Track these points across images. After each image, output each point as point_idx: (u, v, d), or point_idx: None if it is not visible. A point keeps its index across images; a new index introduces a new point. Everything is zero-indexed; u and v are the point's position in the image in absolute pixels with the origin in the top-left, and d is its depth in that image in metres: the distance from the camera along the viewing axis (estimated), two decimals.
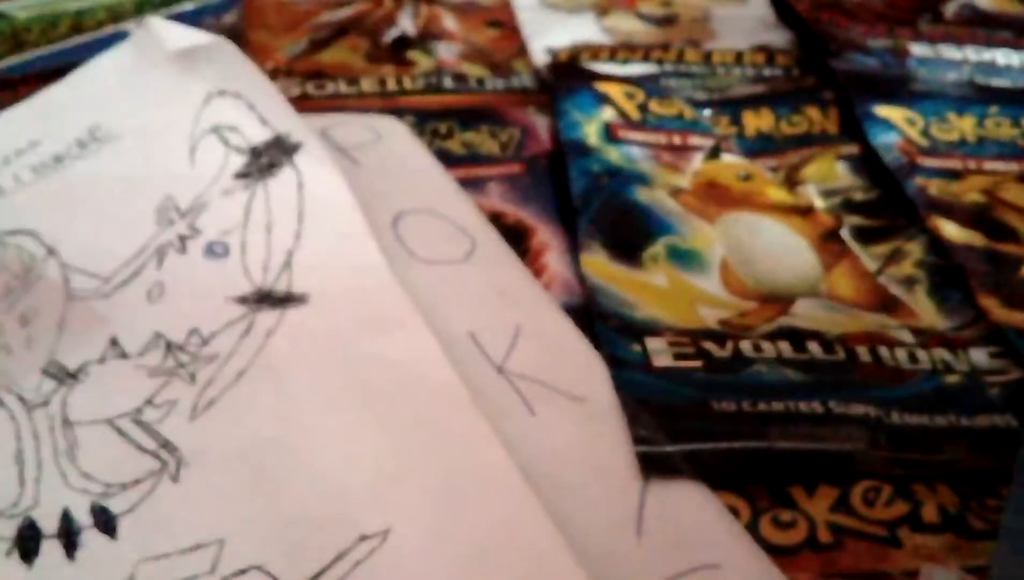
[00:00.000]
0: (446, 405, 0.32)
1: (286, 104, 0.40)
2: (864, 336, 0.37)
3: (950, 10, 0.56)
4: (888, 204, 0.43)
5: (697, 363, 0.35)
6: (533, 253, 0.41)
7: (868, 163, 0.45)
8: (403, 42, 0.54)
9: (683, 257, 0.40)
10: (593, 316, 0.37)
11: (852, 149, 0.46)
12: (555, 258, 0.40)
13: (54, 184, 0.39)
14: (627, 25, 0.56)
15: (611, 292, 0.38)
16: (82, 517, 0.31)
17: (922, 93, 0.48)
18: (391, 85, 0.50)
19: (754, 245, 0.41)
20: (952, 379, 0.35)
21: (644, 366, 0.35)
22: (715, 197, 0.43)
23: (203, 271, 0.37)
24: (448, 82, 0.51)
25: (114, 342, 0.35)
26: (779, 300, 0.39)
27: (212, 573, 0.29)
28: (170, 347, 0.35)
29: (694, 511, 0.31)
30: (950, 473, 0.32)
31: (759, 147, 0.47)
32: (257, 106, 0.40)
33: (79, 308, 0.36)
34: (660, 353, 0.35)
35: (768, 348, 0.36)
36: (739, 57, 0.53)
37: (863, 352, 0.36)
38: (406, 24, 0.55)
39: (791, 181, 0.45)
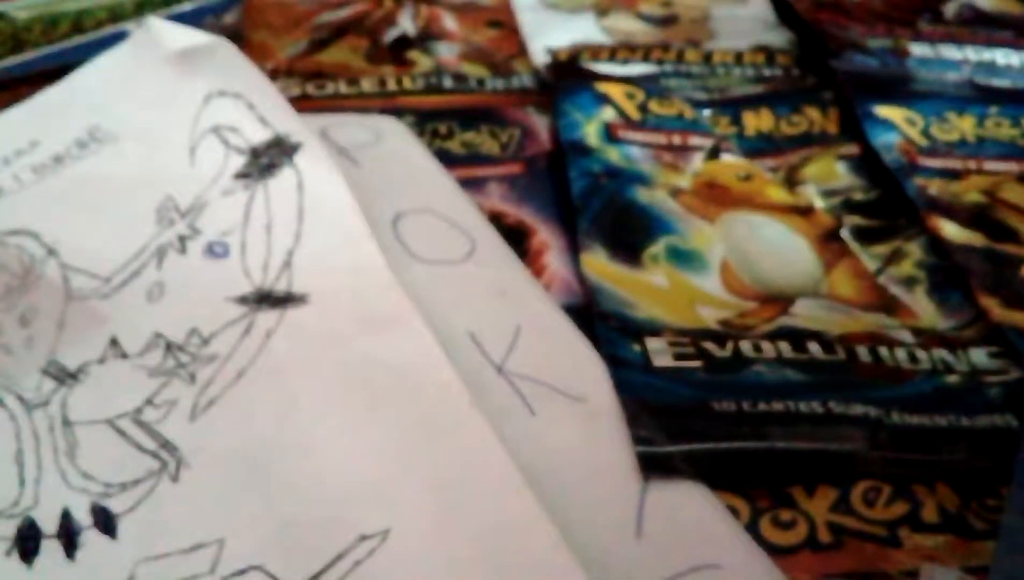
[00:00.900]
0: (446, 405, 0.32)
1: (286, 104, 0.40)
2: (864, 336, 0.37)
3: (950, 10, 0.56)
4: (888, 204, 0.43)
5: (697, 363, 0.35)
6: (533, 253, 0.41)
7: (868, 163, 0.45)
8: (403, 42, 0.54)
9: (683, 257, 0.40)
10: (593, 316, 0.37)
11: (852, 149, 0.46)
12: (555, 258, 0.40)
13: (54, 184, 0.39)
14: (627, 25, 0.56)
15: (611, 292, 0.38)
16: (82, 517, 0.31)
17: (922, 93, 0.48)
18: (391, 85, 0.50)
19: (754, 245, 0.41)
20: (952, 379, 0.35)
21: (644, 366, 0.35)
22: (715, 197, 0.43)
23: (203, 271, 0.37)
24: (448, 82, 0.51)
25: (114, 342, 0.35)
26: (779, 300, 0.39)
27: (212, 573, 0.29)
28: (170, 347, 0.35)
29: (694, 511, 0.31)
30: (950, 473, 0.32)
31: (759, 147, 0.47)
32: (257, 106, 0.40)
33: (79, 308, 0.36)
34: (660, 353, 0.35)
35: (768, 348, 0.36)
36: (739, 57, 0.53)
37: (863, 352, 0.36)
38: (406, 24, 0.55)
39: (791, 181, 0.45)
